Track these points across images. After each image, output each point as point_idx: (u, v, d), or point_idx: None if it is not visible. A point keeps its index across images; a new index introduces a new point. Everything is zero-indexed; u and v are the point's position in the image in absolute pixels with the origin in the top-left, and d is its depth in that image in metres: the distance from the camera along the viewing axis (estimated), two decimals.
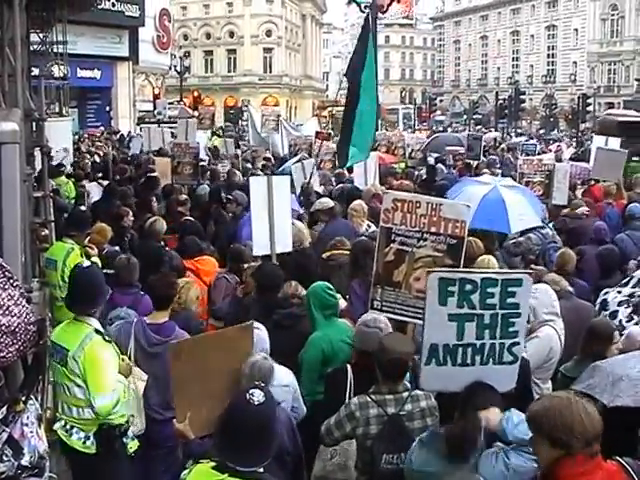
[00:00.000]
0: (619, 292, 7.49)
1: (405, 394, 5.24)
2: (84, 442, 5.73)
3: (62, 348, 5.67)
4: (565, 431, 3.76)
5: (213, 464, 3.90)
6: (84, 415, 5.71)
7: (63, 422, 5.78)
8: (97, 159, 23.54)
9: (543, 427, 3.89)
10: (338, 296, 7.02)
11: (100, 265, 7.88)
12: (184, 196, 13.30)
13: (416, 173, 19.55)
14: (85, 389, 5.60)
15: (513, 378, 4.86)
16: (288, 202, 8.85)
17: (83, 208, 10.25)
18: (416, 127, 60.18)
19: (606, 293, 7.60)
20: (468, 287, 4.67)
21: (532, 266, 8.75)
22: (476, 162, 20.59)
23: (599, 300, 7.59)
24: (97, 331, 5.75)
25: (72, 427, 5.74)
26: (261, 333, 5.94)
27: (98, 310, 5.97)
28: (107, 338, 5.82)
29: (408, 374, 5.47)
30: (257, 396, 3.93)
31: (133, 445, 5.87)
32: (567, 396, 4.01)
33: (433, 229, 6.09)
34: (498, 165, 22.08)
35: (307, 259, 8.75)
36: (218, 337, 5.51)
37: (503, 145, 33.95)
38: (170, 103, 54.29)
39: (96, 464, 5.73)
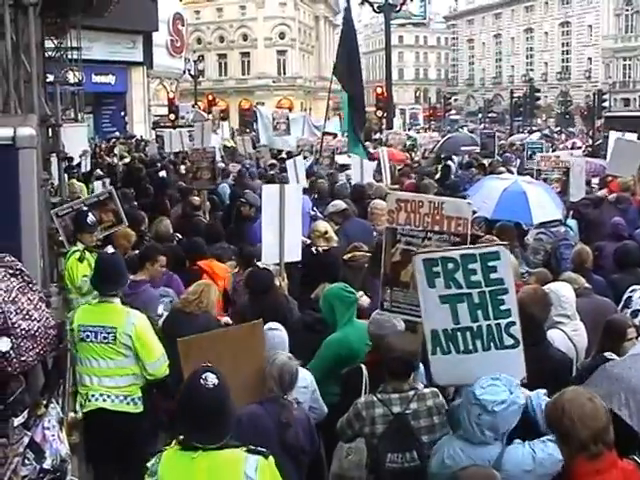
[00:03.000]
0: None
1: (411, 393, 5.26)
2: (135, 403, 6.44)
3: (107, 327, 6.36)
4: (561, 428, 3.84)
5: (178, 447, 4.10)
6: (131, 381, 6.42)
7: (101, 393, 6.35)
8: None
9: (549, 421, 4.00)
10: (360, 293, 7.08)
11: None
12: (197, 199, 13.35)
13: (427, 169, 19.69)
14: (134, 358, 6.36)
15: (521, 366, 4.86)
16: (299, 211, 8.86)
17: (84, 208, 10.31)
18: (423, 126, 59.93)
19: (632, 291, 7.44)
20: (450, 265, 4.81)
21: (530, 270, 8.68)
22: (489, 160, 20.53)
23: (625, 297, 7.46)
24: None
25: (117, 396, 6.37)
26: (282, 334, 5.99)
27: (121, 291, 6.72)
28: (142, 310, 6.72)
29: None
30: (211, 379, 4.06)
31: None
32: (571, 393, 4.00)
33: (437, 228, 6.06)
34: (514, 163, 22.03)
35: (333, 260, 8.79)
36: (227, 335, 5.58)
37: (518, 143, 33.83)
38: None
39: (137, 422, 6.47)
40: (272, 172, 18.33)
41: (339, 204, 11.35)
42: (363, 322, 6.76)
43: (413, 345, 5.45)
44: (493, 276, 4.78)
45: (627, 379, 4.58)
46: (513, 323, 4.85)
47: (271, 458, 4.17)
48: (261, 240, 8.72)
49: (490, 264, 4.77)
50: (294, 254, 8.61)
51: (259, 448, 4.16)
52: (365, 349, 6.41)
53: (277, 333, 5.98)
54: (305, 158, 20.92)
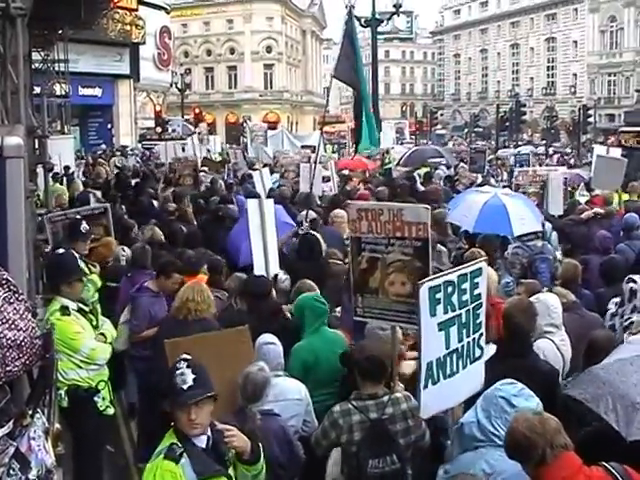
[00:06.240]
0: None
1: (385, 398, 5.31)
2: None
3: None
4: (519, 449, 3.97)
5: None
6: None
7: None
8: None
9: (509, 451, 4.09)
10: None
11: (99, 282, 8.70)
12: (173, 205, 13.71)
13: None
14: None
15: (481, 376, 5.06)
16: (274, 224, 8.94)
17: (78, 217, 10.34)
18: (410, 141, 60.23)
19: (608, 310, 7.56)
20: (450, 289, 4.91)
21: (522, 280, 8.70)
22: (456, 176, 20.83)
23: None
24: (63, 307, 6.65)
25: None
26: (277, 348, 5.97)
27: (65, 289, 6.72)
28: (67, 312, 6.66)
29: None
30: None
31: (103, 404, 6.93)
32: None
33: (398, 234, 6.11)
34: (500, 177, 22.21)
35: (321, 269, 8.84)
36: (214, 338, 5.59)
37: (492, 156, 33.93)
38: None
39: (69, 417, 6.58)
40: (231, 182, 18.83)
41: (309, 213, 11.72)
42: (334, 332, 6.79)
43: (386, 347, 5.61)
44: (476, 292, 4.99)
45: (614, 384, 4.60)
46: (482, 334, 5.12)
47: (171, 465, 4.16)
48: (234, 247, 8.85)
49: (475, 281, 4.97)
50: (275, 267, 8.73)
51: (178, 452, 4.17)
52: (331, 358, 6.40)
53: (272, 347, 5.97)
54: (272, 173, 21.21)
